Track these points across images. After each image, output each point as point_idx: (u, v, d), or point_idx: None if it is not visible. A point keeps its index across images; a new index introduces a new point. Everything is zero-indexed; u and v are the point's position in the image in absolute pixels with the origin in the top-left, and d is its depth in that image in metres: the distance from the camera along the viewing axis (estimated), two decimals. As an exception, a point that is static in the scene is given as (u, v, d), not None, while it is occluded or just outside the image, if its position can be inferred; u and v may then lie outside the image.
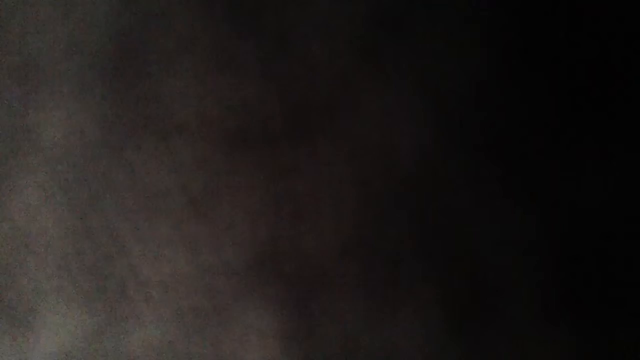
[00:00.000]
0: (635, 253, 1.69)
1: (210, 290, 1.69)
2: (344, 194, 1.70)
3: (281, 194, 1.70)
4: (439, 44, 1.72)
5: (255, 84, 1.71)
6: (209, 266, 1.69)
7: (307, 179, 1.70)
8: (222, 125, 1.70)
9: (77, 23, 1.70)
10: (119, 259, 1.68)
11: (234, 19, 1.71)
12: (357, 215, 1.70)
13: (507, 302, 1.69)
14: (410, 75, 1.72)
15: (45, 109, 1.69)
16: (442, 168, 1.71)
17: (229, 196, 1.70)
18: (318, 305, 1.69)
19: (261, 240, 1.70)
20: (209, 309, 1.69)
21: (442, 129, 1.72)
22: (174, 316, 1.68)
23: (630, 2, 1.71)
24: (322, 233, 1.70)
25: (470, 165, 1.71)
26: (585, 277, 1.70)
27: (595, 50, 1.72)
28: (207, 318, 1.68)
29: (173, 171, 1.69)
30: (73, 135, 1.69)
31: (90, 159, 1.69)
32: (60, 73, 1.69)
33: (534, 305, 1.69)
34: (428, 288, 1.70)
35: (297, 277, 1.69)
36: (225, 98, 1.71)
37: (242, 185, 1.70)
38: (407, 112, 1.71)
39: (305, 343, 1.69)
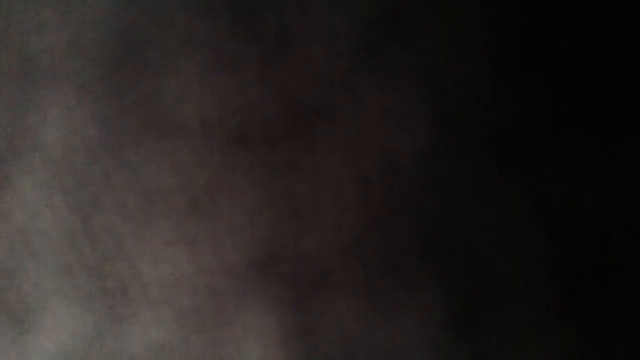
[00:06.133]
0: (635, 253, 1.70)
1: (210, 290, 1.69)
2: (344, 194, 1.70)
3: (281, 194, 1.70)
4: (439, 43, 1.72)
5: (255, 84, 1.71)
6: (209, 266, 1.69)
7: (307, 179, 1.70)
8: (222, 125, 1.70)
9: (77, 23, 1.70)
10: (119, 259, 1.68)
11: (234, 19, 1.71)
12: (357, 215, 1.70)
13: (507, 302, 1.70)
14: (410, 75, 1.72)
15: (45, 109, 1.69)
16: (441, 168, 1.71)
17: (229, 196, 1.70)
18: (318, 305, 1.69)
19: (261, 240, 1.70)
20: (209, 309, 1.69)
21: (442, 129, 1.72)
22: (174, 316, 1.68)
23: (630, 2, 1.71)
24: (322, 233, 1.70)
25: (470, 165, 1.71)
26: (585, 277, 1.70)
27: (594, 50, 1.72)
28: (207, 318, 1.69)
29: (173, 171, 1.69)
30: (73, 135, 1.69)
31: (90, 158, 1.69)
32: (60, 73, 1.69)
33: (535, 306, 1.69)
34: (428, 288, 1.70)
35: (297, 277, 1.70)
36: (225, 98, 1.71)
37: (242, 185, 1.70)
38: (407, 112, 1.71)
39: (305, 343, 1.69)
